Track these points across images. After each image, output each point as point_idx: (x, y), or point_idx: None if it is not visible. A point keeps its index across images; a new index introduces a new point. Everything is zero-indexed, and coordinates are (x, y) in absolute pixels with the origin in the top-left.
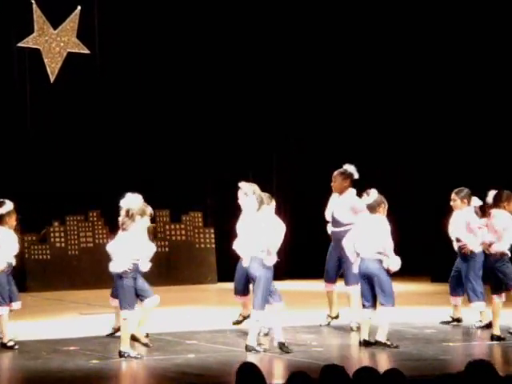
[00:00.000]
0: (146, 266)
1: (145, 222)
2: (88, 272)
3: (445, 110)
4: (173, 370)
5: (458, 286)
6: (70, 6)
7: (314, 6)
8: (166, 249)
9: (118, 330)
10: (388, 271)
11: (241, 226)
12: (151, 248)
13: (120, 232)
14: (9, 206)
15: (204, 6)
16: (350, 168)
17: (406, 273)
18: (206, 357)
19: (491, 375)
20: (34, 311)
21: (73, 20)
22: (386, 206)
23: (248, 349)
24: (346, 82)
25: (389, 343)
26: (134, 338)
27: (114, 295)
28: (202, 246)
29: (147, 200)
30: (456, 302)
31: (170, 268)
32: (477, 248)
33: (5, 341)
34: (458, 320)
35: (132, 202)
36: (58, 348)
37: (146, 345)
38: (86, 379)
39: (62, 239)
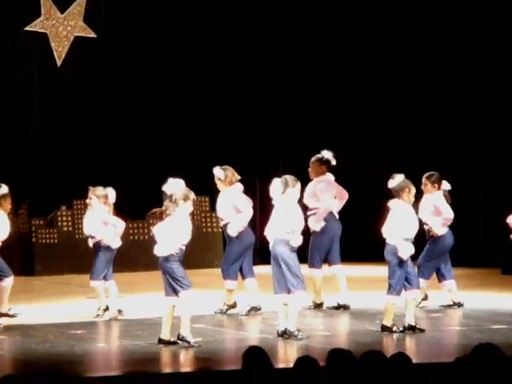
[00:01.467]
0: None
1: (188, 207)
2: None
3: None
4: (179, 352)
5: (441, 270)
6: None
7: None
8: None
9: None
10: (401, 259)
11: (219, 206)
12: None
13: (164, 217)
14: (4, 189)
15: (210, 1)
16: (327, 154)
17: (415, 258)
18: (212, 340)
19: (498, 358)
20: (42, 295)
21: (80, 4)
22: (412, 192)
23: (286, 334)
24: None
25: (394, 328)
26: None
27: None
28: (209, 230)
29: (155, 184)
30: (449, 286)
31: None
32: (440, 230)
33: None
34: (459, 304)
35: (175, 186)
36: (65, 331)
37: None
38: (92, 362)
39: (70, 223)
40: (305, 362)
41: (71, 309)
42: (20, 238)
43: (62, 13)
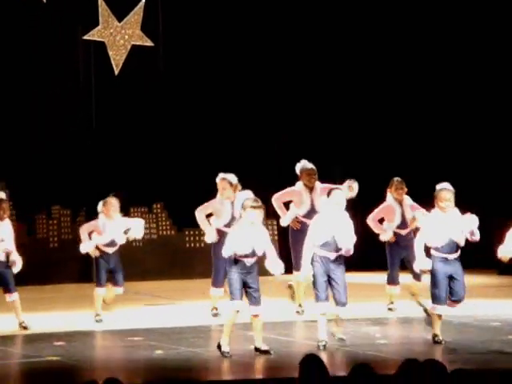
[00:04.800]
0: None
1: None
2: (152, 263)
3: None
4: (235, 361)
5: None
6: None
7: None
8: None
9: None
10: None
11: None
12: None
13: None
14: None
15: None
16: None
17: (472, 265)
18: (268, 348)
19: None
20: None
21: (137, 13)
22: (439, 197)
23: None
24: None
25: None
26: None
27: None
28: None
29: (212, 194)
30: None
31: None
32: (384, 237)
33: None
34: None
35: None
36: (123, 338)
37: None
38: (150, 369)
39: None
40: (361, 369)
41: (128, 316)
42: (78, 245)
43: (119, 21)
